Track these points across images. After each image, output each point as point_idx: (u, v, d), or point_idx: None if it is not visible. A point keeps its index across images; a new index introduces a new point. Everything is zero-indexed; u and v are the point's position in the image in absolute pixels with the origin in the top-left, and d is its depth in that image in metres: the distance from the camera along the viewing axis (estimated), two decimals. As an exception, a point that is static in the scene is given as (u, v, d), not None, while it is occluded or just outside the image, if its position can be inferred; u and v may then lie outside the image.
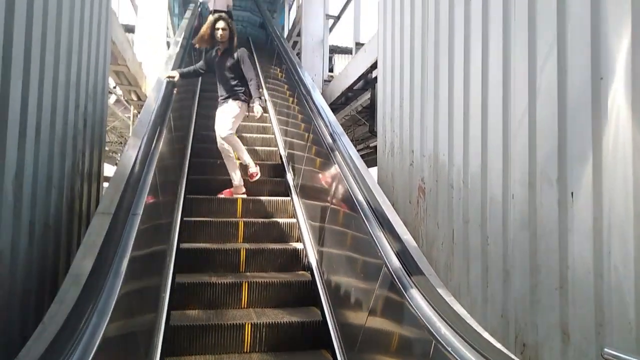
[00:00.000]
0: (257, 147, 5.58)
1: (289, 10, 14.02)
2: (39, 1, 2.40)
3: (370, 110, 7.59)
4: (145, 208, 2.52)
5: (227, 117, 4.35)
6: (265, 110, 6.59)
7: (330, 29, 8.89)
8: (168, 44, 7.91)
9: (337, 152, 3.38)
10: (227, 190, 4.47)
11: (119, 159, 12.52)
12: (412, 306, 1.93)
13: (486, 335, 1.66)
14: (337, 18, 8.65)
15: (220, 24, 4.28)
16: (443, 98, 3.24)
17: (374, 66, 5.37)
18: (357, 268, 2.82)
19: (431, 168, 3.39)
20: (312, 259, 3.55)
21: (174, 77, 4.03)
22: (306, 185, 4.23)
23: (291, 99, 5.96)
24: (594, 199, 1.94)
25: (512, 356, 1.51)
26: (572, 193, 2.07)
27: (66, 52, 2.82)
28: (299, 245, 3.85)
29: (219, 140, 4.42)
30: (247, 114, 4.47)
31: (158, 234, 3.00)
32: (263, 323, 2.92)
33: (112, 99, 9.20)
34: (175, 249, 3.41)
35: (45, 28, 2.51)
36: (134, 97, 6.95)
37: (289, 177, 4.81)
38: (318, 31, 9.10)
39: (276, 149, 5.62)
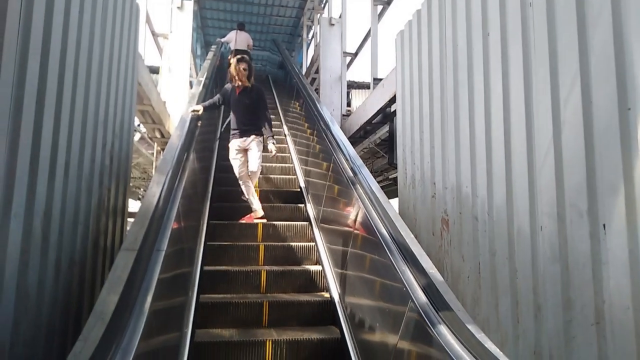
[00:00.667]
0: (276, 175, 5.66)
1: (307, 48, 14.39)
2: (72, 47, 2.52)
3: (389, 143, 7.63)
4: (170, 240, 2.54)
5: (258, 154, 4.66)
6: (284, 143, 6.76)
7: (348, 66, 9.06)
8: (191, 83, 8.16)
9: (357, 185, 3.37)
10: (248, 215, 4.60)
11: (141, 194, 12.75)
12: (441, 343, 1.86)
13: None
14: (355, 55, 8.82)
15: (242, 65, 4.63)
16: (464, 131, 3.23)
17: (392, 100, 5.42)
18: (379, 298, 2.76)
19: (454, 200, 3.34)
20: (333, 286, 3.53)
21: (198, 111, 4.26)
22: (326, 216, 4.21)
23: (309, 130, 6.02)
24: (628, 230, 1.87)
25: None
26: (604, 225, 2.01)
27: (95, 95, 2.93)
28: (317, 268, 3.89)
29: (241, 174, 4.66)
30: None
31: (182, 261, 3.01)
32: (283, 340, 2.98)
33: (136, 136, 9.46)
34: (199, 272, 3.45)
35: (77, 72, 2.62)
36: (158, 135, 7.13)
37: (309, 206, 4.80)
38: (336, 68, 9.28)
39: (295, 177, 5.68)
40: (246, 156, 4.67)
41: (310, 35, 14.13)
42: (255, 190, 4.91)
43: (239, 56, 4.75)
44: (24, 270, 2.05)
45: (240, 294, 3.59)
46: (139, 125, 7.17)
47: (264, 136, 4.66)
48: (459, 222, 3.27)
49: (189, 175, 3.57)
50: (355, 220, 3.30)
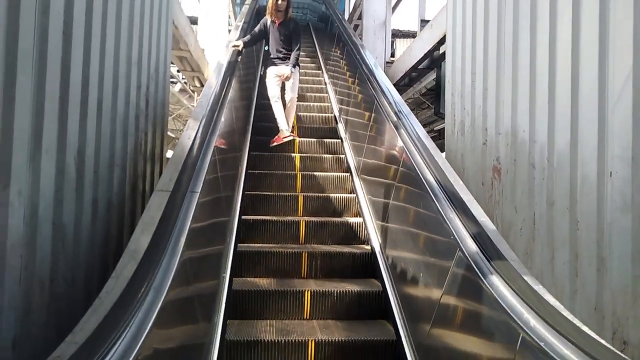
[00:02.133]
0: (315, 125, 5.48)
1: (349, -5, 13.73)
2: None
3: (435, 92, 7.24)
4: (205, 184, 2.46)
5: (294, 82, 4.93)
6: (323, 92, 6.54)
7: (393, 9, 8.54)
8: (229, 31, 7.95)
9: (402, 131, 3.15)
10: (276, 137, 4.76)
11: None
12: (493, 295, 1.69)
13: (586, 329, 1.40)
14: (400, -3, 8.28)
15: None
16: (523, 68, 2.91)
17: (441, 42, 5.05)
18: (423, 249, 2.60)
19: (508, 146, 3.07)
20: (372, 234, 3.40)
21: (238, 46, 4.59)
22: (367, 166, 4.03)
23: (351, 79, 5.75)
24: None
25: (624, 356, 1.25)
26: (692, 167, 1.73)
27: (127, 31, 2.81)
28: (358, 220, 3.78)
29: (276, 99, 4.87)
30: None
31: (219, 207, 2.95)
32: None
33: (177, 87, 9.45)
34: (237, 220, 3.42)
35: (106, 4, 2.49)
36: (197, 84, 7.06)
37: (349, 156, 4.62)
38: (380, 13, 8.77)
39: (335, 126, 5.48)
40: (282, 83, 4.92)
41: (353, -20, 13.43)
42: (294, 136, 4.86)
43: None
44: (58, 208, 2.01)
45: (279, 244, 3.53)
46: (178, 72, 7.09)
47: (289, 62, 4.83)
48: (512, 170, 3.01)
49: (226, 122, 3.46)
50: (398, 169, 3.10)
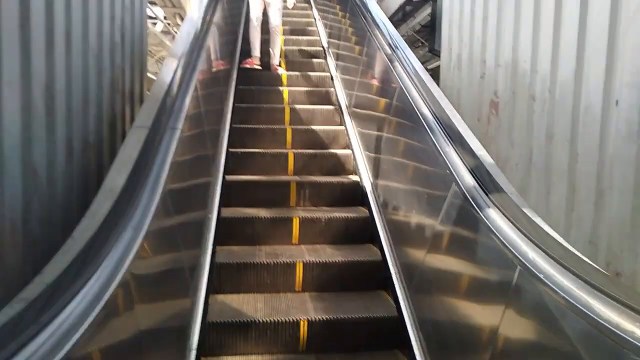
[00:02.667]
0: (304, 59, 5.25)
1: None
2: None
3: (430, 28, 6.93)
4: (188, 120, 2.32)
5: (278, 7, 4.87)
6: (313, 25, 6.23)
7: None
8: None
9: (396, 63, 2.98)
10: (249, 59, 4.78)
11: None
12: (491, 227, 1.62)
13: (587, 260, 1.34)
14: None
15: None
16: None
17: (437, -30, 4.73)
18: (416, 182, 2.53)
19: (508, 79, 2.92)
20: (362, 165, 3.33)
21: None
22: (359, 102, 3.87)
23: (342, 13, 5.45)
24: None
25: (629, 286, 1.19)
26: None
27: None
28: (348, 151, 3.69)
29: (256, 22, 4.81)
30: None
31: (203, 142, 2.83)
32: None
33: (158, 27, 9.01)
34: (224, 154, 3.35)
35: None
36: (179, 21, 6.69)
37: (339, 90, 4.42)
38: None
39: (324, 61, 5.22)
40: (264, 9, 4.79)
41: None
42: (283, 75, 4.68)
43: None
44: (27, 146, 1.87)
45: (268, 175, 3.43)
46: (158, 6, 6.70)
47: None
48: (511, 103, 2.88)
49: (209, 55, 3.26)
50: (392, 103, 2.96)
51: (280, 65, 4.91)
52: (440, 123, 2.24)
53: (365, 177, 3.32)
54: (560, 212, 2.35)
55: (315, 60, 5.25)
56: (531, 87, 2.66)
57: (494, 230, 1.60)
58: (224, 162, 3.30)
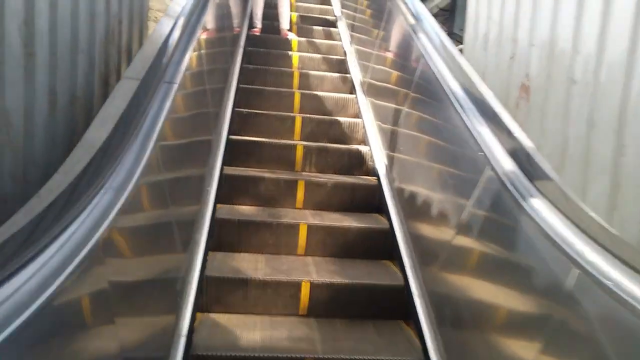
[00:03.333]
0: (318, 40, 4.95)
1: None
2: None
3: (450, 11, 6.62)
4: (188, 76, 2.06)
5: None
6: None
7: None
8: None
9: (421, 34, 2.69)
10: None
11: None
12: (533, 218, 1.37)
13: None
14: None
15: None
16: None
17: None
18: (438, 159, 2.27)
19: (543, 59, 2.65)
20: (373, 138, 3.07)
21: None
22: (375, 70, 3.59)
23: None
24: None
25: None
26: None
27: None
28: (358, 120, 3.43)
29: None
30: None
31: (204, 100, 2.55)
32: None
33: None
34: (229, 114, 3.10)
35: None
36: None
37: (354, 71, 4.16)
38: None
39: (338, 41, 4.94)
40: None
41: None
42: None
43: None
44: (-2, 88, 1.61)
45: (273, 139, 3.11)
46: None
47: None
48: (545, 88, 2.61)
49: (215, 13, 2.97)
50: (413, 76, 2.68)
51: (290, 30, 4.68)
52: (473, 99, 1.98)
53: (376, 147, 3.05)
54: (599, 211, 2.09)
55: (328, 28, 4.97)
56: (571, 69, 2.39)
57: (540, 223, 1.35)
58: (228, 121, 3.08)
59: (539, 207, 1.39)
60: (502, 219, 1.65)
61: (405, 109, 2.75)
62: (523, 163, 1.59)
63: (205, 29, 2.56)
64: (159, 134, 1.58)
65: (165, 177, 1.75)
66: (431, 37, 2.60)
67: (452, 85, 2.16)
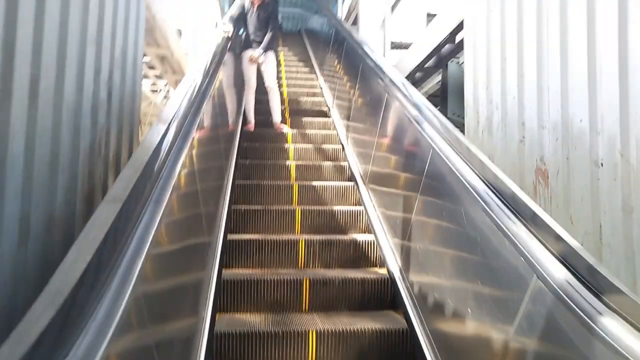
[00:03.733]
0: (312, 130, 4.95)
1: (342, 1, 13.31)
2: None
3: (441, 97, 6.71)
4: (175, 191, 1.83)
5: (272, 66, 4.87)
6: (318, 95, 6.01)
7: (392, 8, 8.04)
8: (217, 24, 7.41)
9: (425, 125, 2.55)
10: (248, 124, 4.78)
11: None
12: (619, 349, 1.08)
13: None
14: (400, -4, 7.79)
15: None
16: (578, 46, 2.34)
17: (454, 32, 4.51)
18: (472, 276, 1.98)
19: (558, 142, 2.49)
20: (392, 262, 2.76)
21: (228, 32, 4.25)
22: (377, 173, 3.43)
23: (351, 77, 5.19)
24: None
25: None
26: None
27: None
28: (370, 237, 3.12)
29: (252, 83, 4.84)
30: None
31: (195, 226, 2.30)
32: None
33: (160, 96, 8.85)
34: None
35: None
36: (181, 87, 6.44)
37: (353, 163, 4.03)
38: (377, 14, 8.29)
39: (335, 132, 4.92)
40: (258, 68, 4.81)
41: (346, -13, 13.01)
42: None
43: None
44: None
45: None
46: (159, 75, 6.48)
47: (261, 45, 4.72)
48: (565, 171, 2.42)
49: (208, 115, 2.85)
50: (423, 173, 2.49)
51: (284, 122, 4.87)
52: (500, 194, 1.76)
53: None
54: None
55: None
56: (593, 151, 2.22)
57: (622, 351, 1.06)
58: (225, 221, 2.90)
59: (618, 332, 1.11)
60: (562, 341, 1.35)
61: (417, 204, 2.54)
62: (581, 271, 1.33)
63: (199, 131, 2.41)
64: (142, 267, 1.33)
65: (154, 312, 1.47)
66: (437, 127, 2.45)
67: (470, 178, 1.95)
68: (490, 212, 1.73)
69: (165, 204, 1.71)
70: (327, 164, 4.21)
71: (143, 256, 1.34)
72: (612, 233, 2.08)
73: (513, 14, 2.95)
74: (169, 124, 2.03)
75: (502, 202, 1.72)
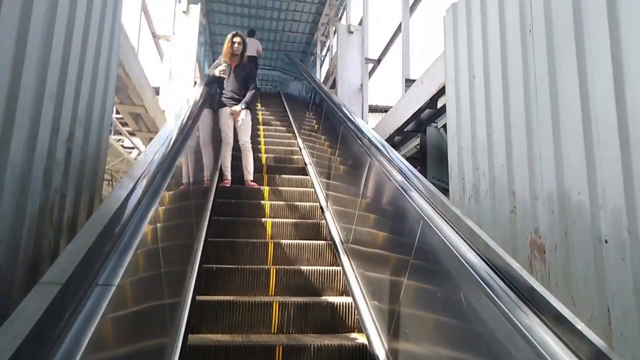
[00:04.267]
0: (290, 188, 4.79)
1: (321, 65, 13.67)
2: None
3: (420, 160, 6.68)
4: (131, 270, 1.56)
5: (248, 126, 4.93)
6: (297, 154, 5.90)
7: (370, 74, 8.19)
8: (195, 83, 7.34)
9: (413, 193, 2.38)
10: (225, 180, 4.76)
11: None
12: None
13: None
14: (378, 61, 7.97)
15: (237, 39, 4.84)
16: (571, 112, 2.25)
17: (434, 98, 4.49)
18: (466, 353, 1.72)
19: (554, 214, 2.33)
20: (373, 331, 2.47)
21: (223, 70, 4.67)
22: (361, 234, 3.20)
23: (328, 143, 5.10)
24: None
25: None
26: None
27: (40, 50, 2.00)
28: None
29: (228, 140, 4.86)
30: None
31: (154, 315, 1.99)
32: None
33: (133, 153, 8.60)
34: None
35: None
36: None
37: (333, 229, 3.81)
38: (355, 78, 8.43)
39: (312, 190, 4.74)
40: (234, 125, 4.84)
41: (324, 52, 13.43)
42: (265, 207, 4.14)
43: (233, 32, 4.94)
44: None
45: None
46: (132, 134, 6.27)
47: (242, 100, 4.81)
48: (564, 246, 2.25)
49: (180, 183, 2.62)
50: (414, 242, 2.28)
51: (260, 181, 4.87)
52: (506, 279, 1.55)
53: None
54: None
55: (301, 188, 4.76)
56: (595, 226, 2.06)
57: None
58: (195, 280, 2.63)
59: None
60: None
61: (405, 279, 2.30)
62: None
63: (169, 188, 2.17)
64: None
65: None
66: (425, 195, 2.28)
67: (470, 257, 1.75)
68: (490, 292, 1.51)
69: (122, 270, 1.45)
70: (304, 222, 4.01)
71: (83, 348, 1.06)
72: (624, 320, 1.88)
73: (497, 79, 2.90)
74: (137, 182, 1.81)
75: (511, 287, 1.51)
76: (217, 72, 4.74)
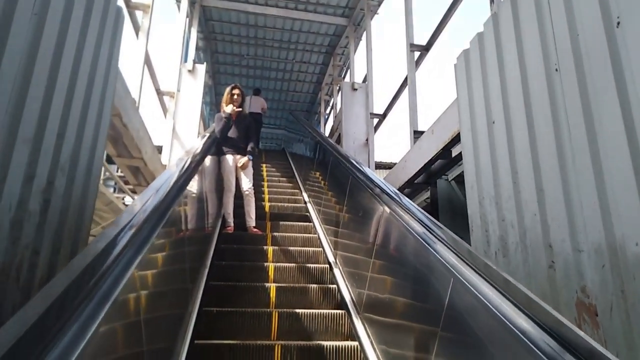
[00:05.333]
0: (296, 247, 4.45)
1: (325, 122, 13.71)
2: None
3: (431, 212, 6.37)
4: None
5: (250, 174, 4.97)
6: (304, 211, 5.63)
7: (376, 128, 8.07)
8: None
9: (438, 246, 2.06)
10: (228, 227, 4.75)
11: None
12: None
13: None
14: (383, 116, 7.87)
15: (236, 91, 5.06)
16: (616, 145, 1.98)
17: (446, 148, 4.27)
18: None
19: (605, 269, 1.99)
20: None
21: (234, 109, 4.86)
22: (377, 303, 2.83)
23: (334, 199, 4.82)
24: None
25: None
26: None
27: (17, 93, 1.78)
28: None
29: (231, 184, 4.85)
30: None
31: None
32: None
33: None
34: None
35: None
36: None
37: (344, 291, 3.44)
38: (360, 134, 8.31)
39: (320, 249, 4.37)
40: (237, 173, 4.88)
41: (328, 110, 13.51)
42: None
43: (232, 84, 5.13)
44: None
45: None
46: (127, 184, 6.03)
47: (247, 149, 4.91)
48: (622, 307, 1.89)
49: (176, 231, 2.32)
50: (444, 304, 1.93)
51: (261, 228, 4.79)
52: (565, 342, 1.20)
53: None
54: None
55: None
56: (660, 283, 1.72)
57: None
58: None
59: None
60: None
61: (436, 344, 1.92)
62: None
63: (165, 228, 1.87)
64: None
65: None
66: (451, 245, 1.96)
67: (520, 323, 1.40)
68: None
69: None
70: (311, 284, 3.64)
71: None
72: None
73: (521, 121, 2.66)
74: (122, 229, 1.53)
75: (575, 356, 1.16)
76: (228, 110, 4.86)
